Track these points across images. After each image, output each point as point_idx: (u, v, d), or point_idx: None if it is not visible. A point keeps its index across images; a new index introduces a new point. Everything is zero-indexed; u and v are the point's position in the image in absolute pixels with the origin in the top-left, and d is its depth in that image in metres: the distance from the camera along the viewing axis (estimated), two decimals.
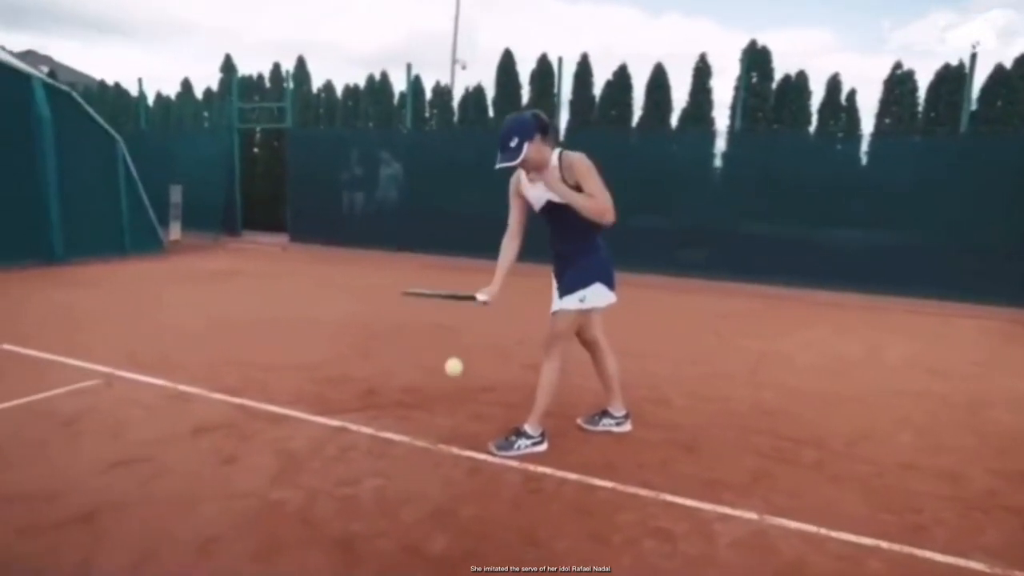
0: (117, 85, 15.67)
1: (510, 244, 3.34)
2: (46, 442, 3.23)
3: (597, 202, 3.00)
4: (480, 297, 3.19)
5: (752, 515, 2.72)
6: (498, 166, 3.08)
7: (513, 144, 3.01)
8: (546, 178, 3.08)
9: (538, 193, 3.19)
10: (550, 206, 3.17)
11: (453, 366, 3.22)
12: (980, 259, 7.92)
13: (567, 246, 3.25)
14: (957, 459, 3.36)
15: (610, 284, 3.27)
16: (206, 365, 4.55)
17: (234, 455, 3.16)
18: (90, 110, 9.31)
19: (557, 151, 3.14)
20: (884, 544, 2.51)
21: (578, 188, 3.07)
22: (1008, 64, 8.83)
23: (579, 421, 3.62)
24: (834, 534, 2.58)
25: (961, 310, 7.62)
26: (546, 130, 3.09)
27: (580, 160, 3.08)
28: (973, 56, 8.61)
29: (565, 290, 3.21)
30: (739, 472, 3.13)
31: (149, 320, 5.96)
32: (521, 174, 3.25)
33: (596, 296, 3.22)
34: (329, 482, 2.90)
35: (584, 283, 3.18)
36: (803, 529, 2.61)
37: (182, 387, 4.06)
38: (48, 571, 2.22)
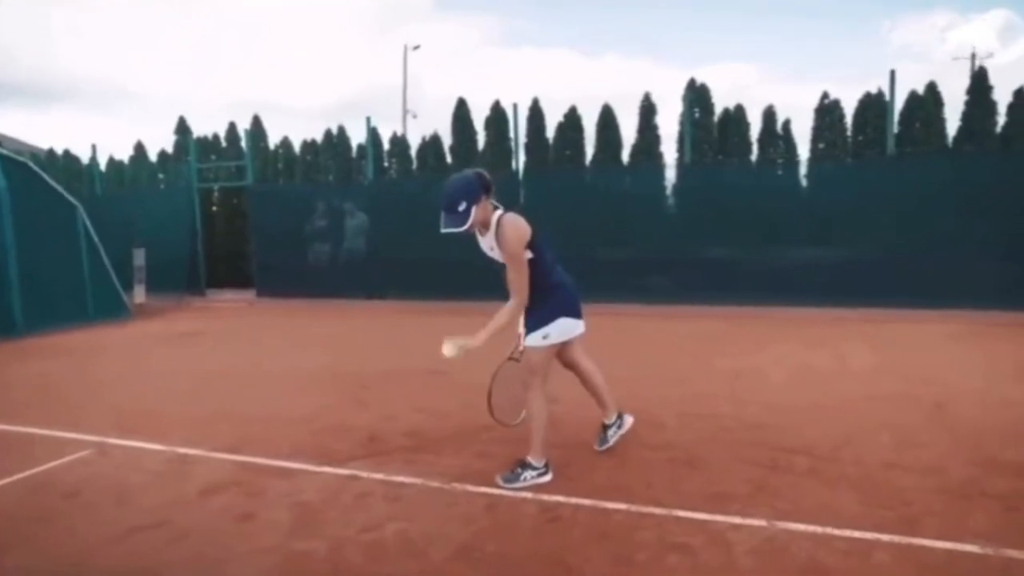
0: (67, 152, 15.34)
1: None
2: (52, 516, 3.14)
3: (510, 310, 3.19)
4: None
5: (761, 522, 2.84)
6: (444, 231, 3.09)
7: (461, 208, 3.05)
8: (470, 344, 3.11)
9: (485, 248, 3.34)
10: (500, 264, 3.32)
11: (449, 349, 3.13)
12: (924, 267, 8.43)
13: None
14: (934, 454, 3.58)
15: (575, 315, 3.38)
16: (198, 424, 4.48)
17: (248, 512, 3.13)
18: (48, 178, 9.11)
19: (498, 213, 3.19)
20: (884, 537, 2.67)
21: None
22: (920, 90, 9.57)
23: (595, 447, 3.73)
24: (838, 532, 2.73)
25: (914, 316, 8.04)
26: (489, 189, 3.17)
27: (508, 238, 3.11)
28: (892, 78, 9.27)
29: (530, 329, 3.33)
30: (741, 484, 3.26)
31: (128, 385, 5.80)
32: None
33: (562, 330, 3.33)
34: (351, 529, 2.91)
35: (546, 321, 3.29)
36: (809, 530, 2.75)
37: (179, 449, 3.99)
38: None
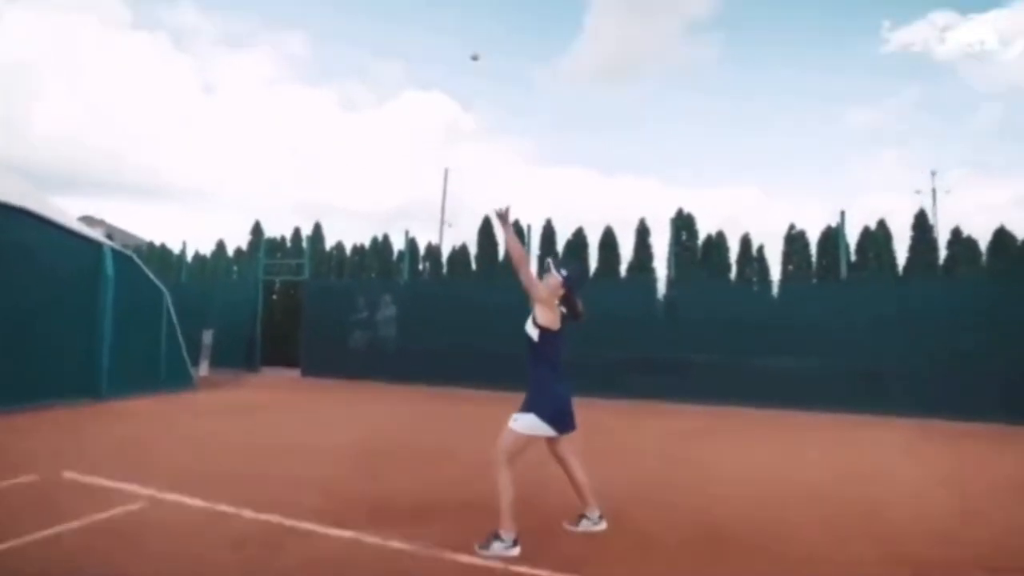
0: (163, 245, 16.51)
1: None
2: (109, 554, 3.39)
3: (530, 283, 3.53)
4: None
5: None
6: (549, 259, 3.78)
7: (563, 273, 3.63)
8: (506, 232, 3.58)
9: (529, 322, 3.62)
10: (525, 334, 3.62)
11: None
12: (874, 378, 8.54)
13: (529, 369, 3.59)
14: (855, 549, 3.66)
15: (545, 417, 3.42)
16: (238, 486, 4.71)
17: (268, 565, 3.33)
18: (146, 270, 9.89)
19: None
20: None
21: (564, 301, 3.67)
22: (872, 226, 10.04)
23: (565, 524, 3.82)
24: None
25: (861, 421, 8.06)
26: (573, 288, 3.68)
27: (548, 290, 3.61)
28: (842, 218, 9.77)
29: (519, 409, 3.51)
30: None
31: (184, 448, 6.11)
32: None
33: (526, 424, 3.41)
34: None
35: (523, 409, 3.47)
36: None
37: (220, 507, 4.23)
38: None
